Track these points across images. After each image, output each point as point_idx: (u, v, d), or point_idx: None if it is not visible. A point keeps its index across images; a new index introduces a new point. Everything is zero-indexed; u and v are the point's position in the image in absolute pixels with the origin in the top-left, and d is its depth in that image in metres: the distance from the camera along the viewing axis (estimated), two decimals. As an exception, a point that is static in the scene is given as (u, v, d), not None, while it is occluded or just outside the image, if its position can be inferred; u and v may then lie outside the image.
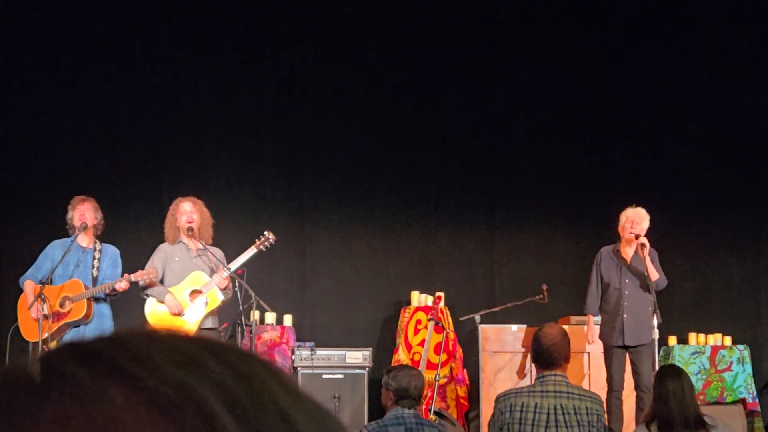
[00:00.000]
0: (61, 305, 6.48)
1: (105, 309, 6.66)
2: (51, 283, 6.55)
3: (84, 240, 6.72)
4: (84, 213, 6.68)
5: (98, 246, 6.77)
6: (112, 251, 6.82)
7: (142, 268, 6.62)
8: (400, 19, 8.81)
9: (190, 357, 0.45)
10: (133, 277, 6.51)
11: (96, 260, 6.70)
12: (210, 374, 0.44)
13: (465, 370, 7.83)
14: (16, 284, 6.75)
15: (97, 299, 6.59)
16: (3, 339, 6.64)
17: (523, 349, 7.61)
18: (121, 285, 6.48)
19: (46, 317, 6.28)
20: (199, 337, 0.48)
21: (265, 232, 6.81)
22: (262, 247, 6.78)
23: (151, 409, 0.42)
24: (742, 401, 7.77)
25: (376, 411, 7.16)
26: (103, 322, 6.55)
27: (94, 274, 6.64)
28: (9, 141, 8.29)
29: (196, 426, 0.42)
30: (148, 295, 6.69)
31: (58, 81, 8.34)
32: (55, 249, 6.69)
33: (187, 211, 6.74)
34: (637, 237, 6.91)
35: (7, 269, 7.48)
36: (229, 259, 6.74)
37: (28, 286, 6.62)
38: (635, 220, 6.99)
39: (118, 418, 0.42)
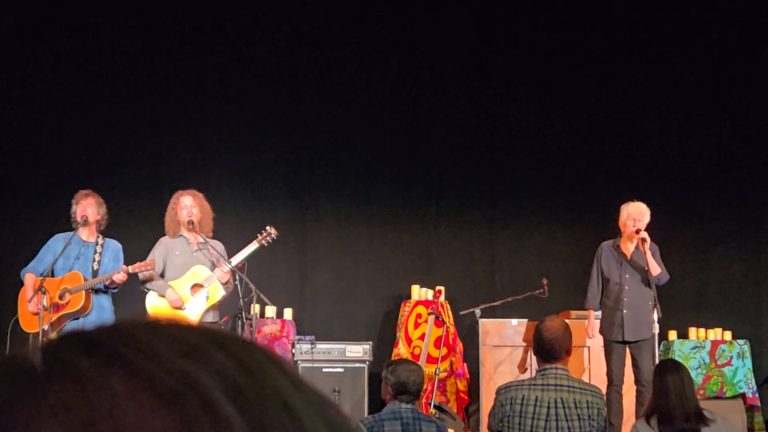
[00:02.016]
0: (61, 297, 6.48)
1: (105, 302, 6.64)
2: (52, 275, 6.55)
3: (85, 234, 6.72)
4: (86, 208, 6.67)
5: (100, 240, 6.75)
6: (114, 246, 6.80)
7: (142, 261, 6.62)
8: (401, 17, 8.80)
9: (192, 346, 0.45)
10: (131, 268, 6.49)
11: (97, 254, 6.68)
12: (211, 363, 0.44)
13: (465, 364, 7.84)
14: (18, 277, 6.75)
15: (97, 291, 6.58)
16: (3, 331, 6.64)
17: (524, 344, 7.61)
18: (119, 276, 6.46)
19: (45, 309, 6.27)
20: (201, 326, 0.48)
21: (268, 228, 6.81)
22: (264, 242, 6.78)
23: (153, 398, 0.42)
24: (742, 396, 7.77)
25: (376, 405, 7.16)
26: (103, 315, 6.54)
27: (95, 268, 6.63)
28: (11, 136, 8.29)
29: (198, 414, 0.42)
30: (148, 289, 6.69)
31: (59, 76, 8.33)
32: (57, 242, 6.69)
33: (188, 205, 6.73)
34: (638, 231, 6.89)
35: (9, 262, 7.48)
36: (231, 254, 6.74)
37: (29, 279, 6.61)
38: (636, 216, 6.95)
39: (119, 407, 0.42)
